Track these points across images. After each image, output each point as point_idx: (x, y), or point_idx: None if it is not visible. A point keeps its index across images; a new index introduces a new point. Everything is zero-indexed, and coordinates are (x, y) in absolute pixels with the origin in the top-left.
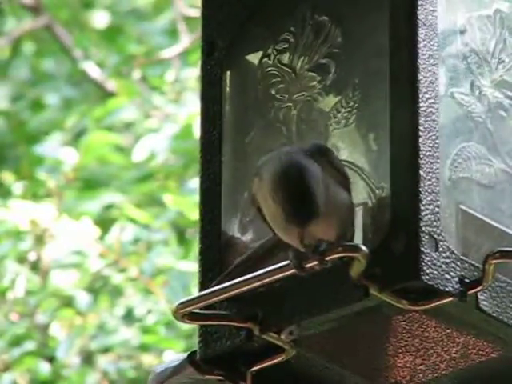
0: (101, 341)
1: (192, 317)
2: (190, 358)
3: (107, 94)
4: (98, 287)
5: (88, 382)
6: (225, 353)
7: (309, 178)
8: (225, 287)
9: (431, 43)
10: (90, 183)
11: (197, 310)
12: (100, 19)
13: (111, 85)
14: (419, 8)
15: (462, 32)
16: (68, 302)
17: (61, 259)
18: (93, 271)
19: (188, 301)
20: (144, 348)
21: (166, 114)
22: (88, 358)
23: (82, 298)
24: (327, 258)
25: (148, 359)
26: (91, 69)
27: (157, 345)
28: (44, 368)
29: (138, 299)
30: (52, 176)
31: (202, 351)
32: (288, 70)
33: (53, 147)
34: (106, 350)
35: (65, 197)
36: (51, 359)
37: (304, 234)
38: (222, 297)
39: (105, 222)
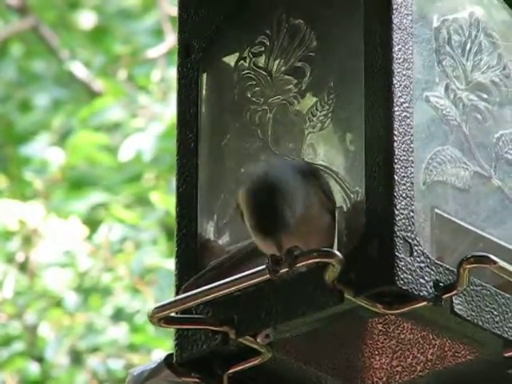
0: (89, 340)
1: (168, 321)
2: (167, 361)
3: (95, 94)
4: (87, 287)
5: (77, 382)
6: (201, 356)
7: (278, 194)
8: (201, 291)
9: (406, 47)
10: (77, 183)
11: (173, 314)
12: (86, 20)
13: (98, 85)
14: (394, 12)
15: (437, 35)
16: (56, 302)
17: (49, 259)
18: (81, 271)
19: (164, 305)
20: (133, 347)
21: (152, 114)
22: (77, 358)
23: (71, 298)
24: (301, 264)
25: (137, 358)
26: (78, 69)
27: (145, 344)
28: (33, 368)
29: (127, 298)
30: (39, 176)
31: (178, 354)
32: (264, 73)
33: (40, 147)
34: (94, 349)
35: (52, 197)
36: (40, 359)
37: (280, 245)
38: (197, 301)
39: (93, 222)
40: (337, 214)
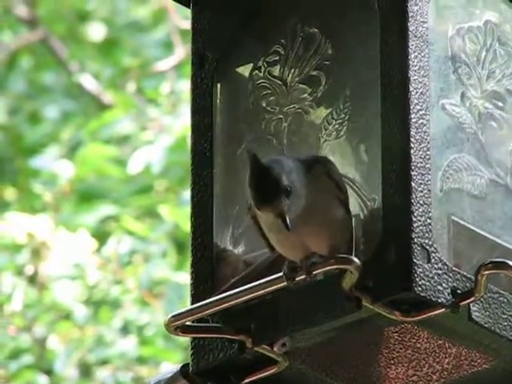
0: (99, 353)
1: (185, 329)
2: (183, 370)
3: (104, 107)
4: (96, 300)
5: None
6: (217, 365)
7: (275, 168)
8: (217, 300)
9: (422, 55)
10: (86, 196)
11: (189, 323)
12: (96, 32)
13: (107, 97)
14: (410, 20)
15: (453, 43)
16: (66, 314)
17: (58, 272)
18: (90, 284)
19: (181, 313)
20: (142, 360)
21: (162, 126)
22: (86, 371)
23: (80, 311)
24: (318, 271)
25: (145, 371)
26: (87, 82)
27: (154, 357)
28: (42, 381)
29: (136, 311)
30: (48, 189)
31: (194, 363)
32: (279, 82)
33: (49, 160)
34: (103, 362)
35: (61, 209)
36: (49, 372)
37: (282, 213)
38: (214, 309)
39: (102, 235)
40: (354, 222)
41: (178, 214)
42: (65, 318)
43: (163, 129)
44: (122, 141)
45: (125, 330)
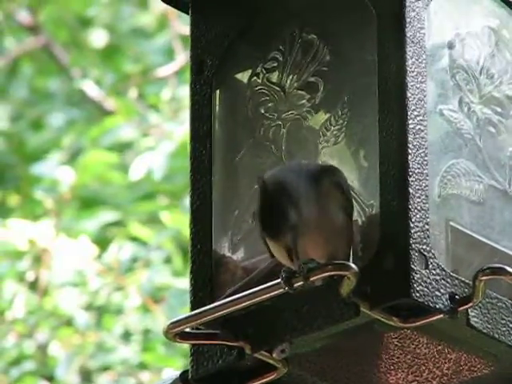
0: (100, 359)
1: (184, 336)
2: (182, 377)
3: (106, 113)
4: (98, 306)
5: None
6: (216, 371)
7: (282, 195)
8: (216, 306)
9: (419, 60)
10: (87, 202)
11: (189, 330)
12: (98, 38)
13: (109, 104)
14: (407, 25)
15: (451, 49)
16: (67, 321)
17: (59, 278)
18: (92, 290)
19: (179, 320)
20: (143, 366)
21: (163, 132)
22: (87, 377)
23: (81, 317)
24: (316, 277)
25: (147, 377)
26: (89, 88)
27: (156, 363)
28: None
29: (137, 318)
30: (50, 195)
31: (193, 370)
32: (277, 88)
33: (51, 166)
34: (105, 368)
35: (63, 216)
36: (51, 378)
37: (291, 249)
38: (213, 316)
39: (103, 241)
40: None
41: (181, 219)
42: (66, 325)
43: (165, 135)
44: (123, 147)
45: (126, 336)
